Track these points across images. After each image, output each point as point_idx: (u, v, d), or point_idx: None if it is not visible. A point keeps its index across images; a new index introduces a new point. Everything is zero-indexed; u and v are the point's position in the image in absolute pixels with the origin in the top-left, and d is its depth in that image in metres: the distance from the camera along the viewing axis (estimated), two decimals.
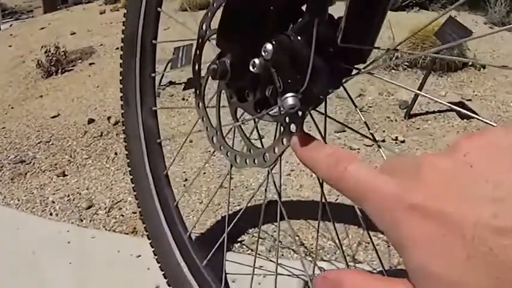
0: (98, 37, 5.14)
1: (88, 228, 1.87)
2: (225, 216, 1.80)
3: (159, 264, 1.33)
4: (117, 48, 4.54)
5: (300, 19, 0.69)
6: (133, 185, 1.38)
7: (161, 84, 3.24)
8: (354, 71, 0.75)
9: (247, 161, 0.84)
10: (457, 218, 0.26)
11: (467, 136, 0.30)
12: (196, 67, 0.95)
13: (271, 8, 0.67)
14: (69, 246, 1.75)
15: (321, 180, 0.92)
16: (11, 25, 7.52)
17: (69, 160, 2.47)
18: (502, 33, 4.24)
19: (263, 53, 0.66)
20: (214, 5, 0.88)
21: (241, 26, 0.73)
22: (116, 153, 2.46)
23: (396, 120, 2.50)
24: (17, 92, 3.77)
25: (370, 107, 2.65)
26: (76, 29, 5.66)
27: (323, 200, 0.90)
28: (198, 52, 0.94)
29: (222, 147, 0.90)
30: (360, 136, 2.31)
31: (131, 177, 1.38)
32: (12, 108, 3.41)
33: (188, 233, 1.28)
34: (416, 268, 0.28)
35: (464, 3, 5.46)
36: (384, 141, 2.28)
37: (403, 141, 2.27)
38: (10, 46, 5.40)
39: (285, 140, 0.73)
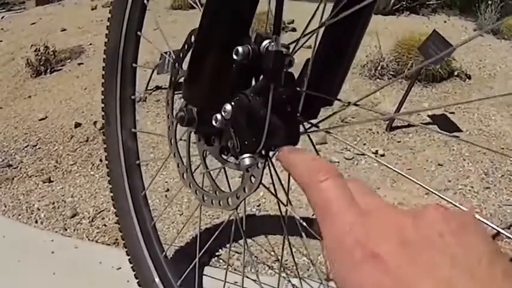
0: (88, 35, 5.15)
1: (72, 238, 1.92)
2: (202, 232, 1.85)
3: (137, 280, 1.37)
4: None
5: (260, 78, 0.73)
6: (113, 203, 1.42)
7: (148, 88, 3.27)
8: (312, 128, 0.80)
9: (214, 202, 0.88)
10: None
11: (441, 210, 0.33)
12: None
13: (233, 67, 0.71)
14: (53, 256, 1.79)
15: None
16: (2, 17, 7.48)
17: (55, 166, 2.50)
18: (491, 41, 4.28)
19: (223, 113, 0.70)
20: (186, 47, 0.92)
21: (205, 81, 0.77)
22: (101, 160, 2.50)
23: (378, 132, 2.54)
24: (6, 91, 3.78)
25: (352, 117, 2.69)
26: (67, 25, 5.66)
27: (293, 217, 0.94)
28: (171, 89, 0.99)
29: (191, 185, 0.94)
30: (340, 149, 2.36)
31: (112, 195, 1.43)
32: (0, 108, 3.43)
33: (164, 253, 1.32)
34: None
35: (455, 8, 5.51)
36: (363, 154, 2.32)
37: (383, 155, 2.31)
38: (1, 41, 5.40)
39: (246, 188, 0.78)
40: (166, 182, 2.21)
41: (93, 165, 2.48)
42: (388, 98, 2.94)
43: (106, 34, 1.39)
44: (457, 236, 0.31)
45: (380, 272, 0.30)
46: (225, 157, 0.82)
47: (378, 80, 3.20)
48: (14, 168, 2.53)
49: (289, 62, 0.69)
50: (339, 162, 2.24)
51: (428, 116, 2.66)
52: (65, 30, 5.52)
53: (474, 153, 2.33)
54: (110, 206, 2.08)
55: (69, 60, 4.36)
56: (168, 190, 2.16)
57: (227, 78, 0.72)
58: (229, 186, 0.94)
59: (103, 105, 1.42)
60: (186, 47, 0.92)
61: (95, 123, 2.95)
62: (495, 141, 2.46)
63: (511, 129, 2.57)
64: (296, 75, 0.75)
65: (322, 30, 0.75)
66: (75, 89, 3.63)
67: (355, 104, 0.88)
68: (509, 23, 4.51)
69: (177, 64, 0.94)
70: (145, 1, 1.26)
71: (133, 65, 1.34)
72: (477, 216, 0.34)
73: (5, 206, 2.18)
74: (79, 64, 4.25)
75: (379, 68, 3.20)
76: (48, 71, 4.10)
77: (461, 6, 5.41)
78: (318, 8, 0.73)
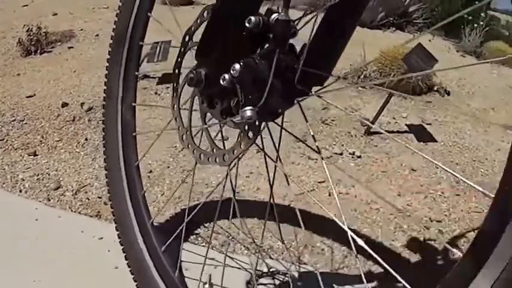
0: (79, 21, 5.19)
1: (55, 208, 1.97)
2: (184, 208, 1.92)
3: (122, 247, 1.44)
4: (97, 35, 4.63)
5: (267, 44, 0.82)
6: (106, 172, 1.49)
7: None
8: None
9: (210, 159, 0.96)
10: None
11: None
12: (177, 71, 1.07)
13: (244, 34, 0.80)
14: (37, 223, 1.85)
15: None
16: None
17: (40, 141, 2.55)
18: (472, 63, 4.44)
19: (232, 71, 0.79)
20: (198, 22, 1.01)
21: (217, 45, 0.86)
22: (86, 139, 2.56)
23: (356, 136, 2.64)
24: None
25: (333, 120, 2.79)
26: (58, 10, 5.69)
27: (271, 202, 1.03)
28: (179, 59, 1.07)
29: (189, 145, 1.02)
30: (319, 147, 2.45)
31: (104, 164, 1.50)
32: None
33: (151, 220, 1.40)
34: None
35: (440, 28, 5.67)
36: (341, 154, 2.42)
37: (359, 157, 2.41)
38: None
39: (243, 144, 0.87)
40: (149, 164, 2.28)
41: (78, 143, 2.54)
42: (368, 105, 3.06)
43: (117, 12, 1.46)
44: None
45: None
46: (224, 118, 0.91)
47: (360, 88, 3.30)
48: (0, 140, 2.57)
49: (293, 32, 0.78)
50: (316, 160, 2.33)
51: (406, 125, 2.77)
52: (56, 14, 5.55)
53: (447, 162, 2.44)
54: (94, 182, 2.15)
55: (59, 43, 4.40)
56: (150, 172, 2.23)
57: (238, 43, 0.81)
58: (224, 146, 1.02)
59: (106, 79, 1.49)
60: (198, 21, 1.00)
61: (82, 104, 3.00)
62: (468, 154, 2.58)
63: (484, 144, 2.70)
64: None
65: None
66: (64, 71, 3.68)
67: (344, 78, 0.97)
68: (492, 46, 4.69)
69: (187, 37, 1.02)
70: None
71: (141, 43, 1.42)
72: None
73: None
74: (69, 48, 4.30)
75: (361, 76, 3.31)
76: (38, 51, 4.15)
77: (446, 27, 5.57)
78: None
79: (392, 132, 2.72)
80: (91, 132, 2.64)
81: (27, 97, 3.17)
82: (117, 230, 1.46)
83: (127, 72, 1.45)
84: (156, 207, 1.95)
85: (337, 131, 2.68)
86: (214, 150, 0.96)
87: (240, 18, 0.79)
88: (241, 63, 0.78)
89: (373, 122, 2.63)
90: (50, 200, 2.02)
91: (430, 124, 2.88)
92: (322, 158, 0.92)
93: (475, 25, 5.24)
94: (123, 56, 1.44)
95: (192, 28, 1.03)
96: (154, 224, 1.40)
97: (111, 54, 1.48)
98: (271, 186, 1.03)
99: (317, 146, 1.04)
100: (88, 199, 2.03)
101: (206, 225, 1.84)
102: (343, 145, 2.53)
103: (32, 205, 1.98)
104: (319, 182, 2.15)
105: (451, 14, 6.02)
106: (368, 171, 2.29)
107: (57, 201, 2.02)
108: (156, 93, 3.15)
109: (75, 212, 1.95)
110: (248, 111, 0.77)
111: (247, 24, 0.78)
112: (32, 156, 2.40)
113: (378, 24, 5.39)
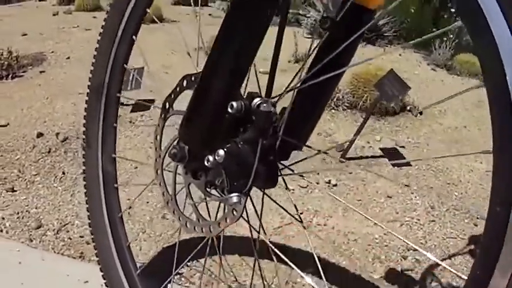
0: (50, 42, 5.18)
1: (38, 250, 1.97)
2: (168, 248, 1.94)
3: None
4: (68, 58, 4.62)
5: (249, 126, 0.85)
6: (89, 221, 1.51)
7: None
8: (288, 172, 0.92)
9: (196, 228, 0.99)
10: None
11: None
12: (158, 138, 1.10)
13: (226, 117, 0.83)
14: (21, 267, 1.84)
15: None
16: None
17: (18, 175, 2.55)
18: (444, 77, 4.52)
19: (216, 157, 0.82)
20: (178, 90, 1.03)
21: (200, 125, 0.89)
22: (63, 173, 2.56)
23: (331, 162, 2.69)
24: None
25: (308, 146, 2.83)
26: (28, 29, 5.66)
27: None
28: (160, 125, 1.10)
29: (175, 212, 1.05)
30: (294, 177, 2.49)
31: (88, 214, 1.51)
32: None
33: (138, 271, 1.42)
34: None
35: (410, 40, 5.76)
36: (318, 183, 2.46)
37: (335, 185, 2.46)
38: None
39: (228, 219, 0.90)
40: (128, 200, 2.29)
41: (55, 177, 2.54)
42: (342, 129, 3.11)
43: (91, 69, 1.47)
44: None
45: None
46: (208, 190, 0.94)
47: (333, 110, 3.36)
48: None
49: (275, 120, 0.81)
50: (294, 190, 2.37)
51: (380, 148, 2.83)
52: (26, 35, 5.52)
53: (422, 187, 2.50)
54: (74, 220, 2.15)
55: (30, 67, 4.38)
56: (130, 208, 2.24)
57: (221, 127, 0.84)
58: (209, 214, 1.05)
59: (84, 129, 1.50)
60: (178, 89, 1.03)
61: (57, 134, 2.99)
62: (442, 177, 2.64)
63: (458, 166, 2.76)
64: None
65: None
66: (37, 98, 3.66)
67: (325, 153, 1.01)
68: (462, 59, 4.79)
69: (167, 104, 1.05)
70: (134, 37, 1.35)
71: (118, 95, 1.43)
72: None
73: None
74: (41, 72, 4.28)
75: (334, 99, 3.36)
76: (10, 76, 4.11)
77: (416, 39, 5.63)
78: (300, 69, 0.86)
79: (367, 157, 2.77)
80: (68, 165, 2.65)
81: (1, 126, 3.15)
82: (104, 278, 1.48)
83: (105, 124, 1.46)
84: (138, 246, 1.97)
85: (313, 157, 2.72)
86: (200, 220, 0.98)
87: (223, 104, 0.82)
88: (225, 150, 0.81)
89: (348, 148, 2.68)
90: (32, 241, 2.02)
91: (403, 147, 2.94)
92: (305, 228, 0.96)
93: (444, 38, 5.32)
94: (101, 108, 1.45)
95: (172, 95, 1.05)
96: (141, 273, 1.42)
97: (88, 105, 1.48)
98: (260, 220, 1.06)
99: (298, 215, 1.07)
100: (70, 239, 2.03)
101: (189, 264, 1.86)
102: (318, 173, 2.57)
103: (14, 247, 1.97)
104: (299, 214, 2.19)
105: (421, 25, 6.14)
106: (344, 199, 2.34)
107: (39, 241, 2.02)
108: (130, 121, 3.16)
109: (58, 253, 1.96)
110: (234, 198, 0.80)
111: (229, 110, 0.81)
112: (10, 192, 2.39)
113: None
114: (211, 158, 0.85)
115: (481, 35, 0.59)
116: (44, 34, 5.54)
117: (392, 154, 2.78)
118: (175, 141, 0.96)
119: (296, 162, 0.99)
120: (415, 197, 2.41)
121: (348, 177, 2.56)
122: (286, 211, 1.12)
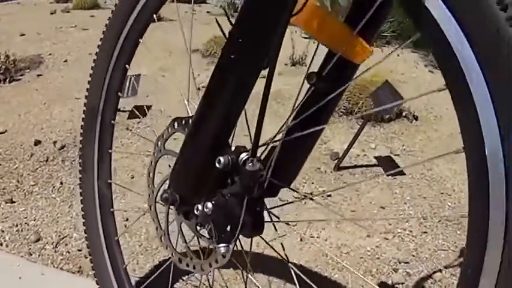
0: (47, 43, 5.21)
1: (37, 264, 2.01)
2: (164, 263, 1.97)
3: None
4: (65, 61, 4.64)
5: (236, 178, 0.89)
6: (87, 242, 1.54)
7: None
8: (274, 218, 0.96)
9: (188, 265, 1.03)
10: None
11: None
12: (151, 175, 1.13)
13: (214, 171, 0.87)
14: (21, 282, 1.88)
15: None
16: None
17: (16, 185, 2.58)
18: (440, 80, 4.51)
19: (204, 208, 0.86)
20: (169, 131, 1.07)
21: (189, 176, 0.92)
22: (61, 183, 2.59)
23: (326, 171, 2.72)
24: None
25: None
26: (25, 29, 5.69)
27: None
28: (152, 162, 1.13)
29: (168, 247, 1.08)
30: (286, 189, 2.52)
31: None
32: None
33: None
34: None
35: (409, 39, 5.75)
36: (311, 193, 2.49)
37: (329, 195, 2.49)
38: None
39: (219, 259, 0.93)
40: (125, 212, 2.32)
41: (53, 187, 2.57)
42: (337, 136, 3.14)
43: (86, 95, 1.49)
44: None
45: None
46: (199, 230, 0.98)
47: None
48: None
49: (260, 176, 0.85)
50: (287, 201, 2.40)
51: (375, 157, 2.85)
52: (23, 35, 5.54)
53: (415, 197, 2.53)
54: (72, 232, 2.19)
55: (28, 70, 4.41)
56: (127, 220, 2.27)
57: (209, 180, 0.88)
58: (202, 253, 1.08)
59: (80, 153, 1.53)
60: (169, 130, 1.06)
61: (54, 142, 3.03)
62: (436, 186, 2.67)
63: (452, 175, 2.78)
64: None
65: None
66: (34, 103, 3.70)
67: (311, 199, 1.05)
68: None
69: (159, 143, 1.08)
70: (127, 65, 1.39)
71: (112, 122, 1.46)
72: None
73: None
74: (38, 76, 4.31)
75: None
76: (7, 80, 4.14)
77: (415, 40, 5.61)
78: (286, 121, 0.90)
79: (362, 166, 2.80)
80: (65, 175, 2.68)
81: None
82: None
83: (101, 149, 1.49)
84: (135, 260, 2.01)
85: (307, 166, 2.75)
86: (193, 259, 1.02)
87: (210, 159, 0.85)
88: (213, 203, 0.85)
89: (343, 156, 2.71)
90: (31, 255, 2.06)
91: (398, 155, 2.96)
92: (293, 269, 1.00)
93: None
94: (96, 134, 1.49)
95: (164, 136, 1.08)
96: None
97: (84, 131, 1.51)
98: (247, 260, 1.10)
99: (285, 254, 1.11)
100: (69, 252, 2.07)
101: (184, 278, 1.90)
102: (313, 183, 2.60)
103: (14, 261, 2.01)
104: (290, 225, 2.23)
105: None
106: (338, 211, 2.37)
107: (39, 255, 2.06)
108: (127, 128, 3.19)
109: (57, 267, 1.99)
110: (222, 249, 0.84)
111: (217, 164, 0.84)
112: (9, 204, 2.43)
113: None
114: (200, 207, 0.88)
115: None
116: (42, 34, 5.56)
117: (386, 163, 2.81)
118: (167, 185, 1.00)
119: (282, 205, 1.02)
120: (408, 207, 2.44)
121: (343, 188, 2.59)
122: (275, 250, 1.14)
